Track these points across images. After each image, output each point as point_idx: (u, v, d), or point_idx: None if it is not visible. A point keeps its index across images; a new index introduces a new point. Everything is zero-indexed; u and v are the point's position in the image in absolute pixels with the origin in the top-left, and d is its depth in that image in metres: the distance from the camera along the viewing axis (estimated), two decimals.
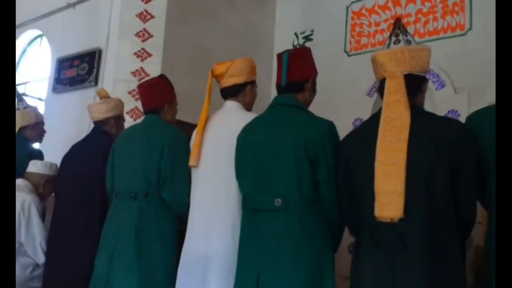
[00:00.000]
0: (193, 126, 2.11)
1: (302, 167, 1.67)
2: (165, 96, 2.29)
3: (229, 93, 2.07)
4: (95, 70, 3.70)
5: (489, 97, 1.63)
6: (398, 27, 1.65)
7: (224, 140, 1.94)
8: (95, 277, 2.11)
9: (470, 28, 3.39)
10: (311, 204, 1.69)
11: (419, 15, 3.59)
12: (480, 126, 1.54)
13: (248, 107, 2.10)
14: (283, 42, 4.16)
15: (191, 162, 1.99)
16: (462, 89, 3.33)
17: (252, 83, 2.12)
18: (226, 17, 3.96)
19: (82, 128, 3.06)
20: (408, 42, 1.63)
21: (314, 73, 1.91)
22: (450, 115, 3.19)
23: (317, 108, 1.89)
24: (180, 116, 2.53)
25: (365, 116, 1.81)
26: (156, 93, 2.27)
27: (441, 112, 3.24)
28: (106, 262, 2.07)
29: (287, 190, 1.68)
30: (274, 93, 1.93)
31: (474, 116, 1.63)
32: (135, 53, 3.32)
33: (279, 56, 1.87)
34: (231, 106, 2.06)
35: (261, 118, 1.89)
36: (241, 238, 1.79)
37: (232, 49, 3.65)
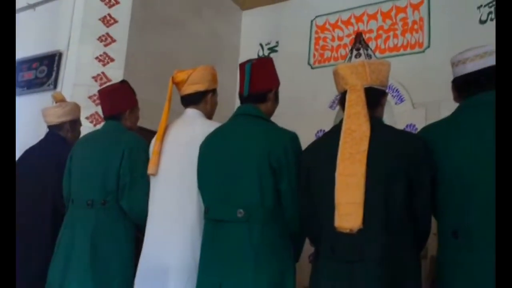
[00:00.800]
0: (155, 133, 2.07)
1: (265, 178, 1.67)
2: (127, 102, 2.25)
3: (189, 100, 2.05)
4: (54, 73, 3.57)
5: (445, 112, 1.69)
6: (360, 41, 1.70)
7: (184, 148, 1.92)
8: (49, 287, 2.02)
9: (428, 46, 3.54)
10: (273, 215, 1.68)
11: (380, 32, 3.71)
12: (433, 138, 1.58)
13: (209, 116, 2.09)
14: (249, 52, 4.19)
15: (150, 170, 1.95)
16: (420, 104, 3.46)
17: (213, 91, 2.10)
18: (192, 26, 3.94)
19: (40, 133, 2.95)
20: (368, 56, 1.68)
21: (277, 83, 1.92)
22: (408, 129, 3.30)
23: (280, 119, 1.90)
24: (142, 123, 2.49)
25: (328, 128, 1.83)
26: (117, 99, 2.22)
27: (400, 125, 3.36)
28: (60, 272, 1.99)
29: (249, 201, 1.67)
30: (239, 103, 1.93)
31: (428, 129, 1.68)
32: (97, 58, 3.24)
33: (242, 66, 1.86)
34: (192, 114, 2.04)
35: (223, 127, 1.88)
36: (202, 249, 1.76)
37: (197, 58, 3.63)
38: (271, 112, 1.91)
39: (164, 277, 1.81)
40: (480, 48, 1.58)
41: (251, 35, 4.45)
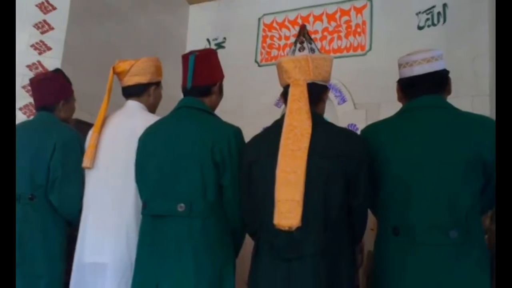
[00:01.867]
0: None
1: (207, 172, 1.65)
2: (61, 92, 2.13)
3: (131, 92, 1.98)
4: None
5: (384, 114, 1.74)
6: (303, 34, 1.70)
7: (123, 141, 1.85)
8: None
9: (370, 49, 3.66)
10: (214, 210, 1.67)
11: (325, 33, 3.79)
12: (374, 138, 1.62)
13: (151, 109, 2.02)
14: (195, 47, 4.07)
15: (85, 163, 1.86)
16: (361, 105, 3.57)
17: (157, 84, 2.04)
18: (136, 18, 3.82)
19: None
20: (312, 50, 1.69)
21: (221, 76, 1.89)
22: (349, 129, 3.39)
23: (226, 115, 1.88)
24: (80, 115, 2.38)
25: None
26: (50, 88, 2.11)
27: (342, 125, 3.40)
28: None
29: (191, 195, 1.64)
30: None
31: (371, 128, 1.72)
32: (33, 46, 3.05)
33: (185, 57, 1.81)
34: (133, 106, 1.97)
35: (165, 120, 1.82)
36: (139, 246, 1.71)
37: (141, 51, 3.48)
38: (215, 106, 1.88)
39: (101, 275, 1.75)
40: (428, 52, 1.63)
41: (198, 30, 4.39)
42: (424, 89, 1.61)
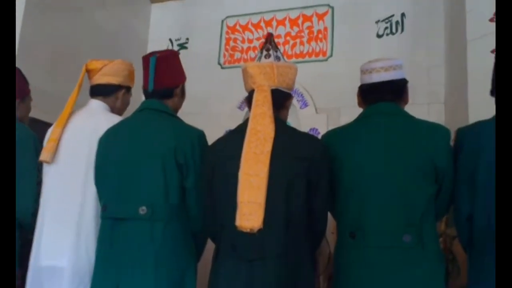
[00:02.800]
0: (49, 125, 1.91)
1: (170, 174, 1.64)
2: (17, 91, 2.04)
3: (99, 91, 1.93)
4: None
5: (344, 118, 1.78)
6: (270, 42, 1.72)
7: (84, 141, 1.80)
8: None
9: (331, 55, 3.73)
10: (177, 213, 1.66)
11: (288, 38, 3.84)
12: (333, 143, 1.66)
13: (117, 113, 1.97)
14: (157, 47, 3.99)
15: (44, 156, 1.78)
16: (322, 110, 3.63)
17: (127, 89, 2.01)
18: (96, 14, 3.72)
19: None
20: (277, 58, 1.71)
21: (184, 78, 1.88)
22: (311, 133, 3.44)
23: (188, 117, 1.87)
24: (36, 113, 2.29)
25: None
26: None
27: (303, 129, 3.47)
28: None
29: (153, 198, 1.63)
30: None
31: (331, 134, 1.77)
32: None
33: (146, 58, 1.79)
34: (97, 106, 1.92)
35: (126, 122, 1.79)
36: (98, 250, 1.67)
37: (100, 49, 3.44)
38: (177, 108, 1.87)
39: (58, 279, 1.69)
40: (388, 61, 1.69)
41: (160, 30, 4.33)
42: (381, 96, 1.66)
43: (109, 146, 1.73)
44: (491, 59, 1.66)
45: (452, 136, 1.64)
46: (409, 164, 1.54)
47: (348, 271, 1.59)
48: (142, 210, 1.61)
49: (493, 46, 1.66)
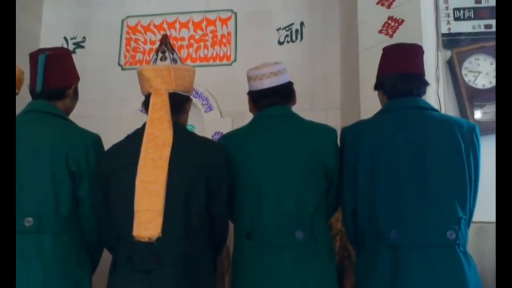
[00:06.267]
0: None
1: (61, 183, 1.55)
2: None
3: None
4: None
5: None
6: (165, 44, 1.69)
7: None
8: None
9: (235, 60, 3.77)
10: (68, 224, 1.57)
11: (192, 41, 3.80)
12: (231, 147, 1.66)
13: None
14: (51, 45, 3.77)
15: None
16: (227, 113, 3.65)
17: None
18: None
19: None
20: (174, 60, 1.68)
21: (77, 78, 1.78)
22: (216, 136, 3.44)
23: (85, 120, 1.76)
24: None
25: None
26: None
27: (208, 133, 3.48)
28: None
29: (40, 208, 1.52)
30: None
31: (227, 137, 1.78)
32: None
33: (34, 56, 1.66)
34: None
35: None
36: None
37: None
38: (69, 110, 1.76)
39: None
40: (273, 66, 1.74)
41: (54, 26, 4.02)
42: (272, 100, 1.71)
43: None
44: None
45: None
46: (300, 164, 1.61)
47: (244, 272, 1.61)
48: (28, 221, 1.50)
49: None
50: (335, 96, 3.50)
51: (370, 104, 2.22)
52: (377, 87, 1.75)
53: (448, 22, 2.45)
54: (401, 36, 2.49)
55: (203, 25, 3.84)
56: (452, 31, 2.43)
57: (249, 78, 1.77)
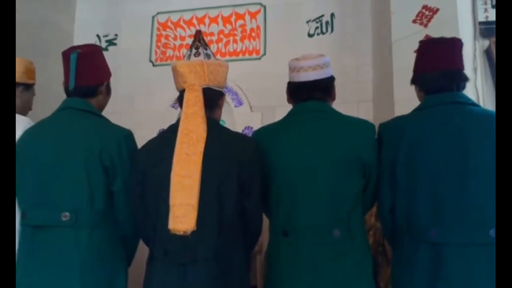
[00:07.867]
0: None
1: (95, 178, 1.57)
2: None
3: None
4: None
5: (279, 117, 1.79)
6: (199, 39, 1.69)
7: None
8: None
9: (264, 54, 3.76)
10: (103, 218, 1.59)
11: (221, 36, 3.81)
12: (263, 141, 1.65)
13: (18, 112, 1.85)
14: (84, 43, 3.87)
15: None
16: (257, 108, 3.65)
17: (26, 86, 1.91)
18: (16, 9, 3.45)
19: None
20: (207, 56, 1.68)
21: (108, 75, 1.80)
22: (246, 131, 3.45)
23: (117, 116, 1.78)
24: None
25: None
26: None
27: (239, 127, 3.49)
28: None
29: (76, 203, 1.55)
30: None
31: (260, 133, 1.76)
32: None
33: (66, 55, 1.68)
34: None
35: (45, 122, 1.69)
36: (19, 259, 1.55)
37: (22, 45, 3.18)
38: (102, 106, 1.79)
39: None
40: (315, 60, 1.68)
41: (87, 25, 4.12)
42: (309, 95, 1.68)
43: (26, 150, 1.62)
44: (414, 58, 1.74)
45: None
46: (337, 160, 1.57)
47: (280, 269, 1.60)
48: (65, 216, 1.53)
49: (416, 47, 1.75)
50: (367, 89, 3.44)
51: (404, 96, 2.17)
52: (414, 82, 1.70)
53: (486, 10, 2.36)
54: (436, 26, 2.42)
55: (232, 19, 3.84)
56: (490, 19, 2.34)
57: (290, 68, 1.74)
